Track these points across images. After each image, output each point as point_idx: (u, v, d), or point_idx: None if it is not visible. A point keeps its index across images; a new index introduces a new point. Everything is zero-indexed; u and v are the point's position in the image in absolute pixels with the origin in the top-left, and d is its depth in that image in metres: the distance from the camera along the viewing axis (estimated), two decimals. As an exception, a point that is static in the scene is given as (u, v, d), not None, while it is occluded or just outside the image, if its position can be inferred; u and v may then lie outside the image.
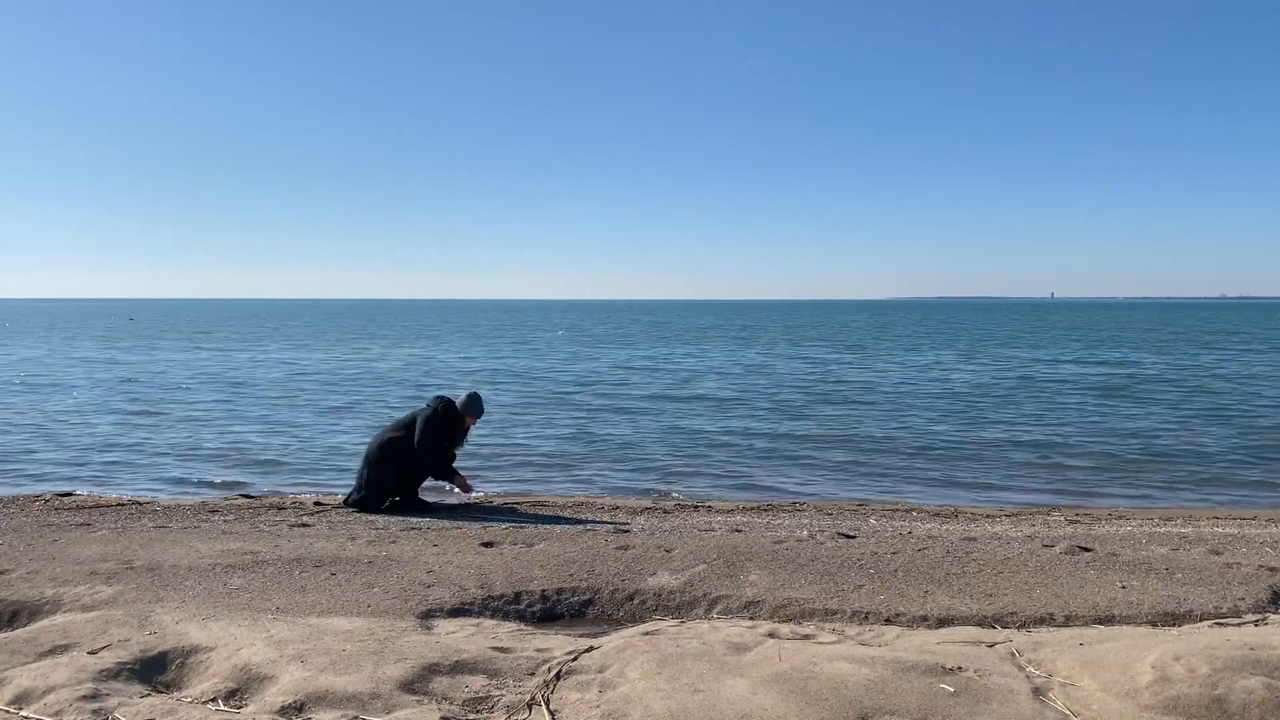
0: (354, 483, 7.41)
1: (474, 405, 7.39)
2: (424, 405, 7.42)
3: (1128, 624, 4.33)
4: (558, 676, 3.48)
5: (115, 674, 3.45)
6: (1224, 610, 4.51)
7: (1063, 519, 7.10)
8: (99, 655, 3.62)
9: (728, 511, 7.29)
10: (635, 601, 4.79)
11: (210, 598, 4.58)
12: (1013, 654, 3.72)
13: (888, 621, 4.41)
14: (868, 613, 4.51)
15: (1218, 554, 5.62)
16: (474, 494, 7.57)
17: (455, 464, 7.37)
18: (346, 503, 7.35)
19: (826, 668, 3.42)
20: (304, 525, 6.55)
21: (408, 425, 7.26)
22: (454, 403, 7.31)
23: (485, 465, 10.43)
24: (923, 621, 4.40)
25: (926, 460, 10.69)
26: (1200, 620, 4.39)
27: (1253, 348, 34.48)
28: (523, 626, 4.39)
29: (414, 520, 6.80)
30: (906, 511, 7.41)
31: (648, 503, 7.94)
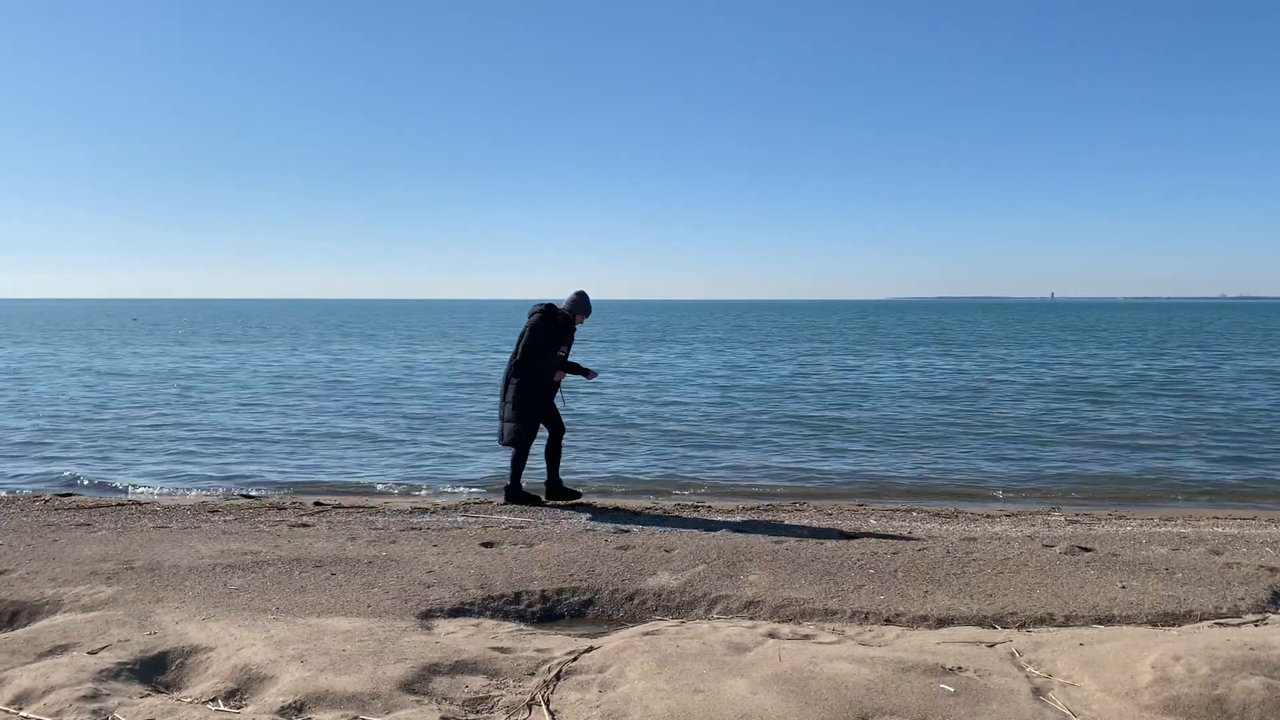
0: (497, 429, 7.44)
1: (583, 303, 7.46)
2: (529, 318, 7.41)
3: (1128, 624, 4.33)
4: (558, 676, 3.48)
5: (115, 674, 3.45)
6: (1224, 610, 4.51)
7: (1063, 519, 7.10)
8: (99, 655, 3.62)
9: (728, 511, 7.29)
10: (635, 601, 4.79)
11: (210, 598, 4.58)
12: (1013, 654, 3.72)
13: (888, 621, 4.41)
14: (868, 613, 4.51)
15: (1218, 554, 5.63)
16: (596, 377, 7.81)
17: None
18: (504, 442, 7.35)
19: (826, 668, 3.42)
20: (304, 525, 6.54)
21: (520, 343, 7.30)
22: (556, 306, 7.38)
23: (483, 466, 10.44)
24: (923, 621, 4.40)
25: (926, 461, 10.69)
26: (1200, 620, 4.39)
27: (1252, 348, 34.48)
28: (523, 626, 4.39)
29: (414, 520, 6.80)
30: (906, 511, 7.41)
31: (648, 503, 7.93)
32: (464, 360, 28.57)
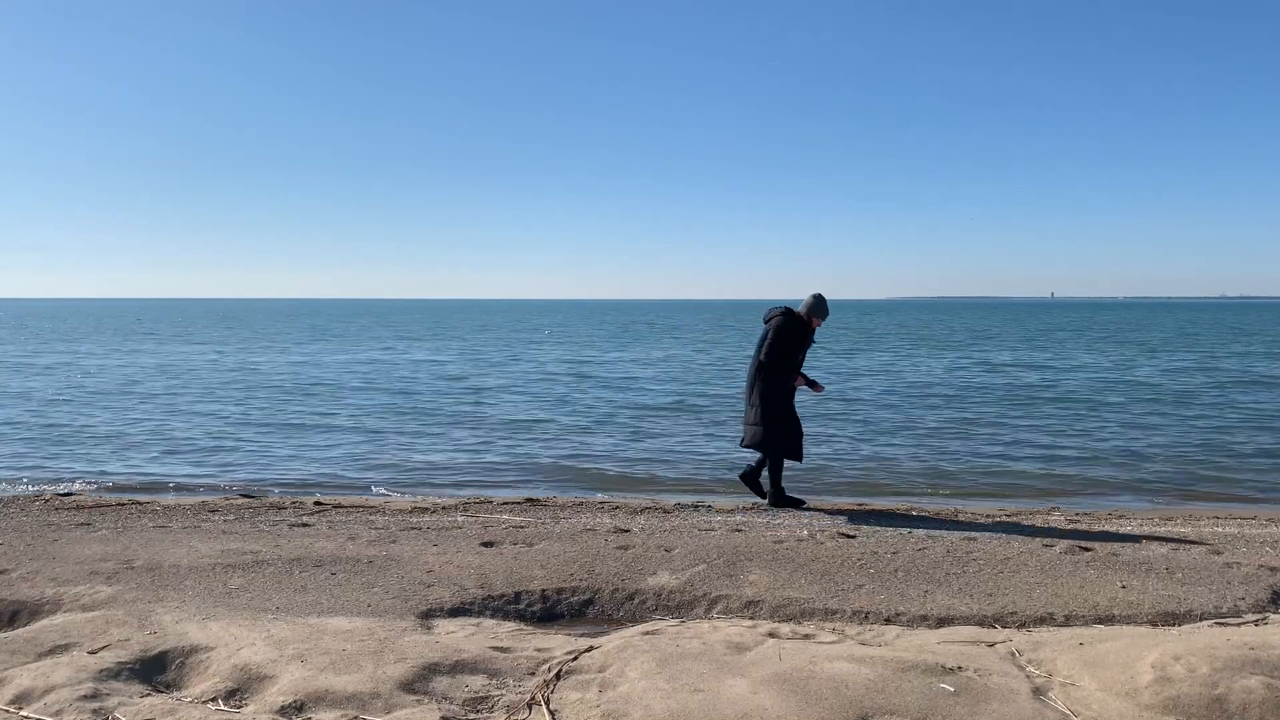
0: (743, 434, 7.40)
1: (820, 306, 7.38)
2: (766, 324, 7.39)
3: (1128, 624, 4.33)
4: (558, 676, 3.48)
5: (115, 674, 3.45)
6: (1224, 610, 4.51)
7: (1063, 519, 7.09)
8: (99, 655, 3.62)
9: (728, 511, 7.29)
10: (635, 601, 4.79)
11: (210, 598, 4.58)
12: (1013, 654, 3.72)
13: (888, 621, 4.41)
14: (868, 612, 4.51)
15: (1218, 554, 5.63)
16: (823, 391, 7.73)
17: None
18: (744, 445, 7.30)
19: (826, 667, 3.42)
20: (304, 525, 6.54)
21: (761, 347, 7.26)
22: (794, 310, 7.35)
23: (486, 466, 10.44)
24: (923, 621, 4.40)
25: (925, 461, 10.69)
26: (1200, 620, 4.39)
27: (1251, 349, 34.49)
28: (523, 626, 4.39)
29: (414, 520, 6.80)
30: (906, 511, 7.40)
31: (647, 502, 7.93)
32: (461, 360, 28.58)
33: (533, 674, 3.53)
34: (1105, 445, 11.72)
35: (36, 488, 8.88)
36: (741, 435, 7.46)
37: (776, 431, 7.20)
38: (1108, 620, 4.37)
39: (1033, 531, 6.42)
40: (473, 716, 3.17)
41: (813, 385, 7.46)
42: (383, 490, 8.97)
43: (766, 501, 7.47)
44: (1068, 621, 4.36)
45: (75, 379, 21.21)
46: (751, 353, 7.48)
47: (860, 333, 52.69)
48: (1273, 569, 5.20)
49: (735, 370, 24.26)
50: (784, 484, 7.49)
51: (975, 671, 3.42)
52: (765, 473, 7.48)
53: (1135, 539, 6.13)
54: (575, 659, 3.66)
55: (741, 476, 7.61)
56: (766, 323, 7.37)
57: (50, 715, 3.11)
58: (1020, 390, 18.78)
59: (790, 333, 7.23)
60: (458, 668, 3.54)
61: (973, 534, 6.30)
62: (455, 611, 4.52)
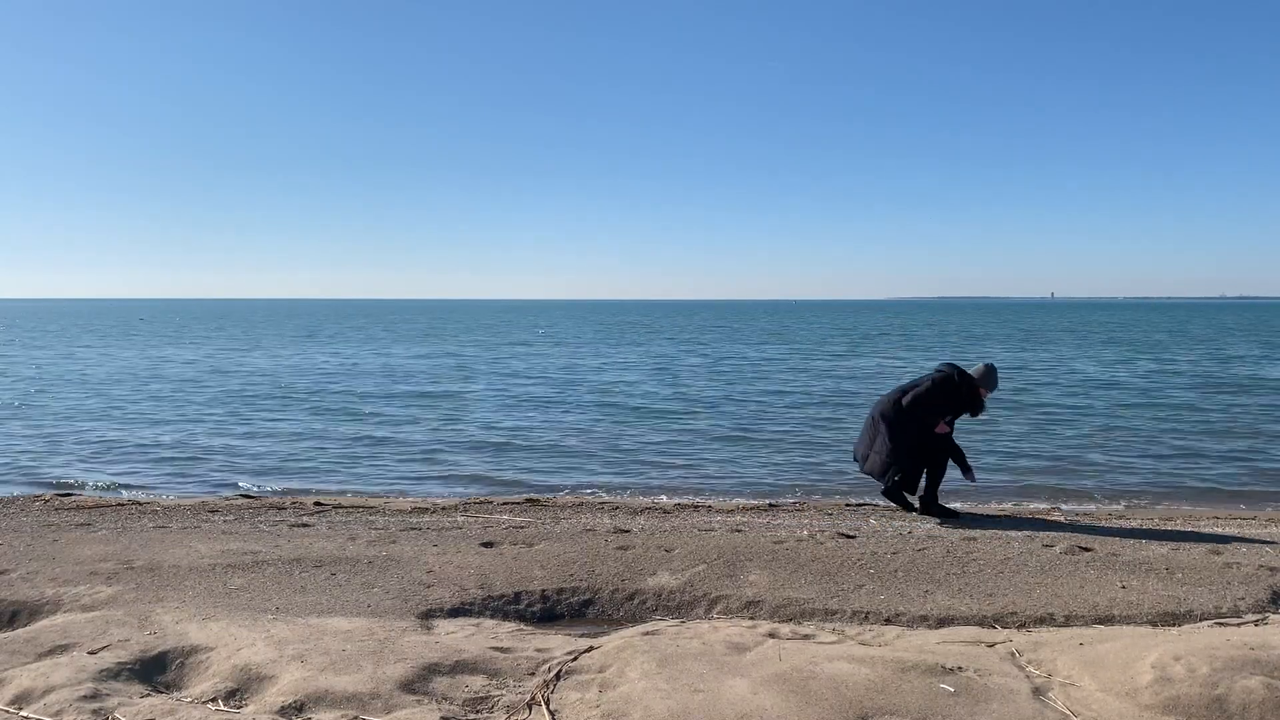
0: (857, 455, 7.11)
1: (991, 377, 7.00)
2: (931, 371, 7.04)
3: (1128, 624, 4.33)
4: (558, 676, 3.48)
5: (115, 674, 3.45)
6: (1224, 610, 4.51)
7: (1063, 519, 7.09)
8: (99, 655, 3.62)
9: (728, 511, 7.29)
10: (635, 601, 4.79)
11: (210, 598, 4.58)
12: (1013, 654, 3.72)
13: (888, 621, 4.41)
14: (868, 613, 4.51)
15: (1218, 554, 5.62)
16: (975, 480, 7.19)
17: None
18: (867, 471, 7.04)
19: (826, 668, 3.42)
20: (304, 525, 6.54)
21: (912, 388, 6.92)
22: (966, 373, 6.97)
23: (483, 466, 10.44)
24: (923, 621, 4.40)
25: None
26: (1200, 620, 4.39)
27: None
28: (523, 626, 4.39)
29: (414, 520, 6.80)
30: (907, 511, 7.40)
31: (647, 503, 7.93)
32: (457, 359, 28.59)
33: (533, 674, 3.52)
34: (1105, 446, 11.72)
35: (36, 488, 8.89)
36: (858, 455, 7.13)
37: (910, 473, 6.93)
38: (1108, 620, 4.37)
39: (1033, 531, 6.41)
40: (473, 716, 3.17)
41: (965, 469, 6.94)
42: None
43: (918, 509, 7.11)
44: (1068, 622, 4.36)
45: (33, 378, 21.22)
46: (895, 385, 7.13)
47: (863, 336, 52.68)
48: (1273, 569, 5.20)
49: (730, 370, 24.26)
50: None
51: (975, 672, 3.42)
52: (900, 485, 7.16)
53: (1135, 539, 6.12)
54: (575, 659, 3.66)
55: (921, 508, 7.17)
56: (937, 372, 6.98)
57: (50, 715, 3.11)
58: (1019, 391, 18.78)
59: (948, 393, 6.84)
60: (458, 668, 3.54)
61: (973, 534, 6.29)
62: (455, 612, 4.51)
